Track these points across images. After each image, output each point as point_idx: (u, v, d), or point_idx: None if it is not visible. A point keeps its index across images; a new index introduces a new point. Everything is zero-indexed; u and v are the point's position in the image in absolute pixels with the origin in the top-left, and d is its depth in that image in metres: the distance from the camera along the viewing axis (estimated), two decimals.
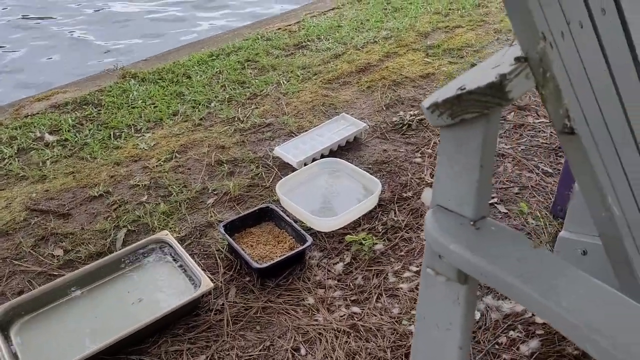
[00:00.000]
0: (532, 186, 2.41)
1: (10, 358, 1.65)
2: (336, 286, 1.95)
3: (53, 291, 1.91)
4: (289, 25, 4.46)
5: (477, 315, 1.75)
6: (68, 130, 3.10)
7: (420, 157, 2.67)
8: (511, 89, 0.78)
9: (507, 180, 2.46)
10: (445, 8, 4.52)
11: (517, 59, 0.77)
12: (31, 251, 2.22)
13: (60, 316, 1.86)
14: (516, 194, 2.37)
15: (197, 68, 3.75)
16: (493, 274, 0.84)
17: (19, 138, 3.08)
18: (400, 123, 2.94)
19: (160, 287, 1.95)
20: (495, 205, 2.29)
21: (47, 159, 2.86)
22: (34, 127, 3.18)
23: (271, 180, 2.56)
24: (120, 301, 1.90)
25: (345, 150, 2.75)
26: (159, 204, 2.44)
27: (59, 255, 2.19)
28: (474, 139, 0.88)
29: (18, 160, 2.87)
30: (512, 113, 2.99)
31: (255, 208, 2.26)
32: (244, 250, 2.03)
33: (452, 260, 0.93)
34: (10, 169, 2.80)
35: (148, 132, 3.04)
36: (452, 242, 0.90)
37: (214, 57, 3.91)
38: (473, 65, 3.53)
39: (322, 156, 2.65)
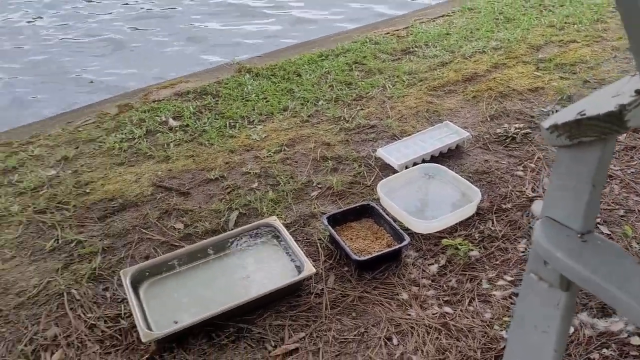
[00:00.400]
0: (638, 210, 2.36)
1: (140, 310, 1.90)
2: (430, 285, 2.05)
3: (174, 259, 2.15)
4: (397, 30, 4.56)
5: (571, 330, 1.78)
6: (189, 117, 3.40)
7: (522, 170, 2.69)
8: (629, 119, 0.85)
9: (612, 202, 2.43)
10: (560, 22, 4.42)
11: (638, 92, 0.84)
12: (156, 222, 2.50)
13: (179, 281, 2.09)
14: (621, 216, 2.34)
15: (307, 67, 3.95)
16: (595, 281, 0.92)
17: (147, 121, 3.42)
18: (504, 135, 2.96)
19: (266, 267, 2.14)
20: (598, 225, 2.27)
21: (171, 142, 3.16)
22: (160, 112, 3.52)
23: (372, 179, 2.68)
24: (230, 276, 2.11)
25: (447, 157, 2.82)
26: (268, 191, 2.64)
27: (179, 229, 2.45)
28: (590, 160, 0.95)
29: (146, 141, 3.20)
30: (625, 134, 2.92)
31: (357, 204, 2.39)
32: (344, 242, 2.18)
33: (557, 266, 1.00)
34: (140, 148, 3.12)
35: (260, 125, 3.27)
36: (558, 250, 0.98)
37: (323, 58, 4.10)
38: (586, 82, 3.46)
39: (424, 161, 2.74)
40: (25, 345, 1.94)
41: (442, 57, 3.96)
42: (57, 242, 2.44)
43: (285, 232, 2.22)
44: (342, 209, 2.37)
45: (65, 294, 2.15)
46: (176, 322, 1.91)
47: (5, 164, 3.10)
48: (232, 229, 2.37)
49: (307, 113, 3.33)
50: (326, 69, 3.90)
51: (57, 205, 2.69)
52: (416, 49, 4.13)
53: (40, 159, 3.14)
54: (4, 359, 1.91)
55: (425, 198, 2.51)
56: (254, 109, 3.44)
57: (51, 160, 3.12)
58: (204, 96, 3.68)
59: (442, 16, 4.80)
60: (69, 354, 1.89)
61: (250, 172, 2.80)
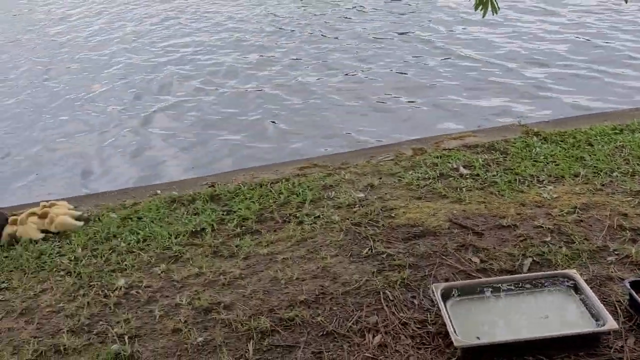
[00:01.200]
0: None
1: (448, 318, 2.23)
2: None
3: (475, 286, 2.45)
4: None
5: None
6: (479, 168, 3.73)
7: None
8: None
9: None
10: None
11: None
12: (454, 253, 2.84)
13: (483, 306, 2.38)
14: None
15: (600, 138, 3.98)
16: None
17: (439, 165, 3.85)
18: None
19: (563, 313, 2.30)
20: None
21: (463, 187, 3.52)
22: (451, 159, 3.93)
23: None
24: (530, 312, 2.32)
25: None
26: (562, 247, 2.79)
27: (475, 262, 2.75)
28: None
29: (440, 182, 3.61)
30: None
31: None
32: None
33: None
34: (435, 187, 3.55)
35: (550, 185, 3.43)
36: None
37: (617, 131, 4.08)
38: None
39: None
40: (353, 324, 2.42)
41: None
42: (371, 251, 2.95)
43: (585, 286, 2.35)
44: None
45: (381, 292, 2.60)
46: (478, 339, 2.19)
47: (324, 182, 3.81)
48: (525, 272, 2.58)
49: (600, 182, 3.39)
50: (620, 142, 3.88)
51: (369, 221, 3.23)
52: None
53: (351, 183, 3.78)
54: (336, 331, 2.40)
55: None
56: (543, 170, 3.61)
57: (359, 185, 3.73)
58: (492, 151, 3.99)
59: None
60: (387, 340, 2.31)
61: (542, 227, 2.98)
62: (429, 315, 2.42)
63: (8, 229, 3.59)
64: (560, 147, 3.94)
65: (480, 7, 2.46)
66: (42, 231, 3.60)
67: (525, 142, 4.07)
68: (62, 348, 2.50)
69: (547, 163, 3.70)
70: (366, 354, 2.25)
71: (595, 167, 3.58)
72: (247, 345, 2.38)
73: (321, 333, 2.41)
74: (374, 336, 2.34)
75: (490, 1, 2.44)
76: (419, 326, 2.37)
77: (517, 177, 3.56)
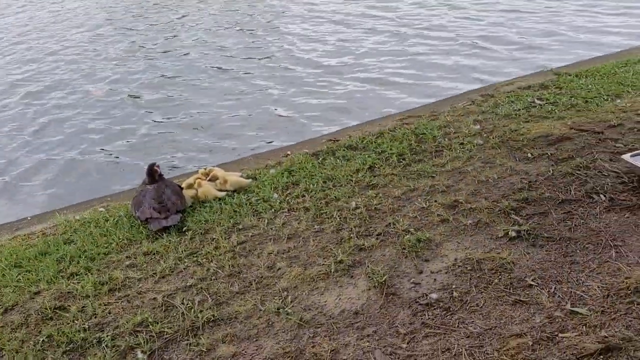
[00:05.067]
0: None
1: None
2: None
3: None
4: None
5: None
6: (551, 97, 4.71)
7: None
8: None
9: None
10: None
11: None
12: (597, 144, 3.75)
13: None
14: None
15: (617, 70, 5.17)
16: None
17: (516, 101, 4.78)
18: None
19: None
20: None
21: (553, 110, 4.46)
22: (521, 96, 4.88)
23: None
24: None
25: None
26: None
27: (620, 145, 3.68)
28: None
29: (530, 110, 4.52)
30: None
31: None
32: None
33: None
34: (531, 114, 4.45)
35: (616, 99, 4.49)
36: None
37: (624, 65, 5.31)
38: None
39: None
40: (576, 192, 3.21)
41: None
42: (532, 155, 3.75)
43: None
44: None
45: (574, 174, 3.42)
46: None
47: (436, 124, 4.54)
48: None
49: None
50: (633, 70, 5.10)
51: (508, 139, 4.03)
52: None
53: (457, 121, 4.55)
54: (568, 199, 3.18)
55: None
56: (600, 92, 4.68)
57: (467, 121, 4.51)
58: (547, 88, 5.01)
59: None
60: (609, 197, 3.13)
61: None
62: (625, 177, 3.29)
63: (188, 192, 3.86)
64: (594, 78, 5.05)
65: None
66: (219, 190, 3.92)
67: (566, 78, 5.15)
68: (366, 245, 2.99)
69: (598, 88, 4.78)
70: (602, 206, 3.05)
71: (633, 84, 4.73)
72: (508, 218, 3.07)
73: (558, 202, 3.16)
74: (597, 194, 3.15)
75: None
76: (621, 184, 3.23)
77: (586, 99, 4.58)
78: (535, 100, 4.76)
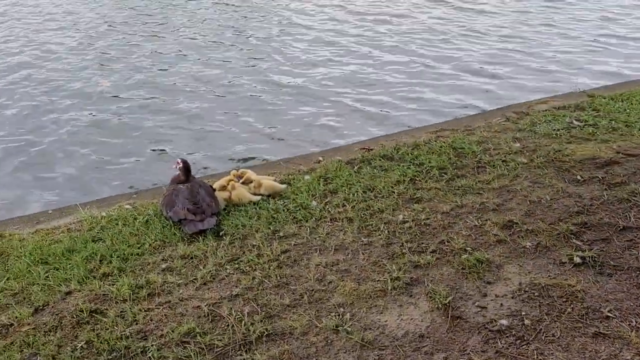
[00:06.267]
0: None
1: None
2: None
3: None
4: None
5: None
6: (590, 119, 4.61)
7: None
8: None
9: None
10: None
11: None
12: None
13: None
14: None
15: None
16: None
17: (554, 121, 4.67)
18: None
19: None
20: None
21: (594, 132, 4.36)
22: (558, 116, 4.77)
23: None
24: None
25: None
26: None
27: None
28: None
29: (571, 131, 4.42)
30: None
31: None
32: None
33: None
34: (572, 134, 4.34)
35: None
36: None
37: None
38: None
39: None
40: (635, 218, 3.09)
41: None
42: (582, 177, 3.63)
43: None
44: None
45: (631, 199, 3.30)
46: None
47: (471, 138, 4.41)
48: None
49: None
50: None
51: (553, 159, 3.91)
52: None
53: (495, 137, 4.43)
54: (628, 226, 3.05)
55: None
56: None
57: (505, 137, 4.39)
58: (583, 109, 4.90)
59: None
60: None
61: None
62: None
63: (222, 194, 3.67)
64: (630, 102, 4.97)
65: None
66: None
67: (601, 101, 5.06)
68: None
69: (637, 112, 4.69)
70: None
71: None
72: (569, 243, 2.93)
73: (619, 229, 3.04)
74: None
75: None
76: None
77: (627, 123, 4.49)
78: (574, 121, 4.66)
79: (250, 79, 6.84)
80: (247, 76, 6.94)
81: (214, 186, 3.72)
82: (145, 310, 2.60)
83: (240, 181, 3.80)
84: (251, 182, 3.80)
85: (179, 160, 3.62)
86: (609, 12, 9.27)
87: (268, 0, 10.76)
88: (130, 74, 7.10)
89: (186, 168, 3.58)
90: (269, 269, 2.87)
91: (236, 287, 2.75)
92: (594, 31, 8.31)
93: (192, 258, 3.03)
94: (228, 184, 3.73)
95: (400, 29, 8.74)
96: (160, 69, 7.29)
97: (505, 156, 4.03)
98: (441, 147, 4.27)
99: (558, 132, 4.41)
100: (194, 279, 2.83)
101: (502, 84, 6.52)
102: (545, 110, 5.01)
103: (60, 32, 9.13)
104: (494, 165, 3.90)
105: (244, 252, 3.05)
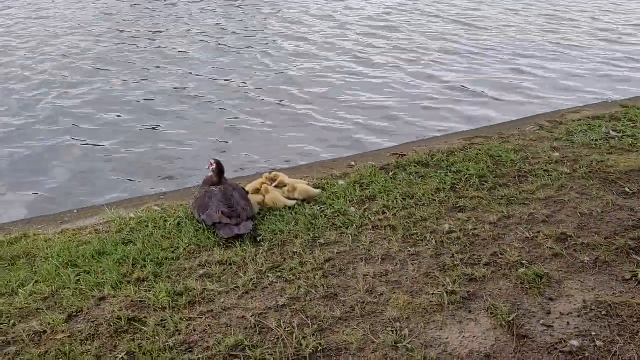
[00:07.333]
0: None
1: None
2: None
3: None
4: None
5: None
6: (628, 130, 4.48)
7: None
8: None
9: None
10: None
11: None
12: None
13: None
14: None
15: None
16: None
17: (590, 131, 4.53)
18: None
19: None
20: None
21: (635, 143, 4.22)
22: (594, 126, 4.64)
23: None
24: None
25: None
26: None
27: None
28: None
29: (610, 142, 4.28)
30: None
31: None
32: None
33: None
34: (612, 145, 4.21)
35: None
36: None
37: None
38: None
39: None
40: None
41: None
42: (631, 190, 3.49)
43: None
44: None
45: None
46: None
47: (507, 147, 4.27)
48: None
49: None
50: None
51: (597, 170, 3.77)
52: None
53: (532, 146, 4.29)
54: None
55: None
56: None
57: (543, 146, 4.25)
58: (618, 120, 4.78)
59: None
60: None
61: None
62: None
63: (255, 198, 3.52)
64: None
65: None
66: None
67: (636, 112, 4.93)
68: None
69: None
70: None
71: None
72: (629, 258, 2.79)
73: None
74: None
75: None
76: None
77: None
78: (611, 132, 4.53)
79: (275, 84, 6.70)
80: (272, 81, 6.80)
81: (246, 189, 3.57)
82: (187, 320, 2.43)
83: (274, 185, 3.65)
84: (285, 185, 3.65)
85: (212, 161, 3.47)
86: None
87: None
88: (158, 74, 6.96)
89: (220, 169, 3.43)
90: (314, 278, 2.71)
91: (281, 296, 2.59)
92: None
93: (230, 264, 2.87)
94: (261, 187, 3.58)
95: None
96: (185, 72, 7.14)
97: (546, 165, 3.90)
98: (477, 154, 4.13)
99: (597, 143, 4.27)
100: (235, 287, 2.67)
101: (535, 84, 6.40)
102: (579, 119, 4.89)
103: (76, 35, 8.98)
104: (536, 175, 3.76)
105: (284, 260, 2.89)
